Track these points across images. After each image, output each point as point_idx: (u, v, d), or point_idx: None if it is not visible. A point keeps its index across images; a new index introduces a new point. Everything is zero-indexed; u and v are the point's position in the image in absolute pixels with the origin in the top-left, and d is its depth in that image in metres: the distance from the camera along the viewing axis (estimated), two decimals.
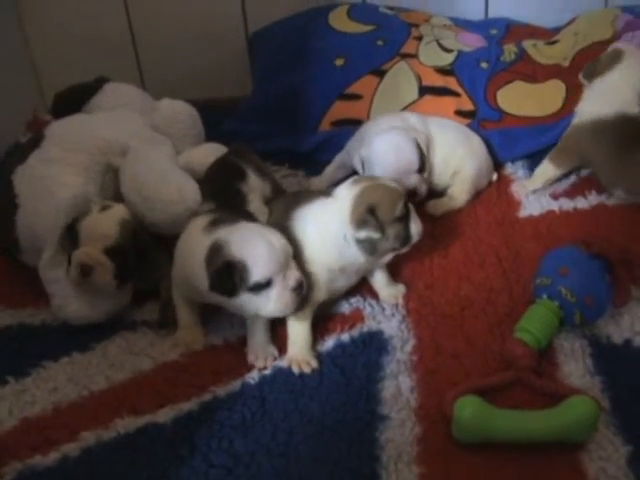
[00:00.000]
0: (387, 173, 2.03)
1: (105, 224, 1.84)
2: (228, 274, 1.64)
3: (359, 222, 1.73)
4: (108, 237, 1.83)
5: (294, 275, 1.68)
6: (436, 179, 2.27)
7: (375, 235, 1.74)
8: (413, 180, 2.11)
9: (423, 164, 2.14)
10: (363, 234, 1.74)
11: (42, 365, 1.80)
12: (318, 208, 1.82)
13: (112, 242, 1.83)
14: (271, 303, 1.67)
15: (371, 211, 1.73)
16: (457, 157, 2.27)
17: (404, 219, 1.77)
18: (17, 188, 1.96)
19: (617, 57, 2.21)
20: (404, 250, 1.83)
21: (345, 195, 1.77)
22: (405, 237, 1.79)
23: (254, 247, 1.65)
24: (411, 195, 2.06)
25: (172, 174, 1.96)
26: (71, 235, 1.84)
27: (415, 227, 1.80)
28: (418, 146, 2.13)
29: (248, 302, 1.68)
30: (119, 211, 1.88)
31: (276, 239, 1.69)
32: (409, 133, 2.15)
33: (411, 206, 1.82)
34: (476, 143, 2.35)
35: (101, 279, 1.83)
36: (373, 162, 2.10)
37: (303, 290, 1.70)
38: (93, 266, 1.81)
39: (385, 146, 2.11)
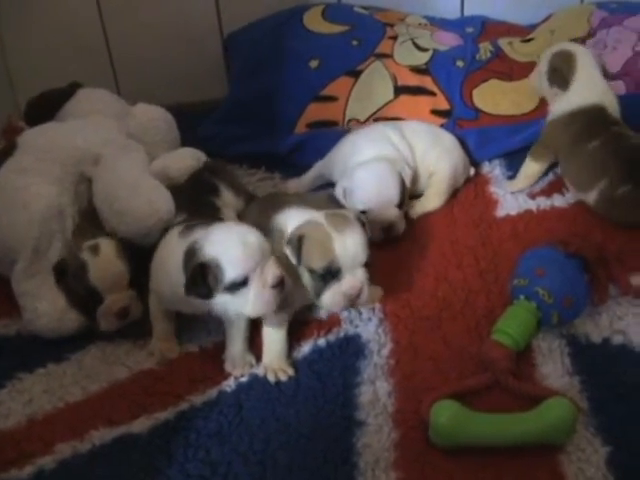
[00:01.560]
0: (367, 205, 2.05)
1: (113, 264, 1.82)
2: (202, 276, 1.60)
3: (288, 239, 1.71)
4: (123, 273, 1.82)
5: (272, 271, 1.62)
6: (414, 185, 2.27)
7: (293, 259, 1.70)
8: (391, 214, 2.08)
9: (403, 199, 2.12)
10: (287, 250, 1.71)
11: (17, 377, 1.79)
12: (298, 215, 1.79)
13: (128, 275, 1.83)
14: (250, 302, 1.63)
15: (300, 239, 1.68)
16: (431, 159, 2.27)
17: (321, 280, 1.68)
18: None
19: (571, 58, 2.19)
20: (318, 304, 1.76)
21: (316, 214, 1.73)
22: (313, 294, 1.72)
23: (227, 245, 1.61)
24: (388, 230, 2.06)
25: (143, 185, 1.93)
26: (74, 287, 1.84)
27: (329, 298, 1.69)
28: (401, 181, 2.11)
29: (228, 303, 1.64)
30: (109, 245, 1.85)
31: (252, 236, 1.63)
32: (394, 166, 2.12)
33: (346, 284, 1.68)
34: (448, 142, 2.34)
35: (137, 311, 1.85)
36: (354, 192, 2.09)
37: (285, 287, 1.65)
38: (131, 304, 1.83)
39: (368, 179, 2.09)
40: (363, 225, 1.72)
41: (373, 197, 2.06)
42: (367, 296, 1.71)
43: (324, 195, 2.19)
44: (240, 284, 1.61)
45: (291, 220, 1.75)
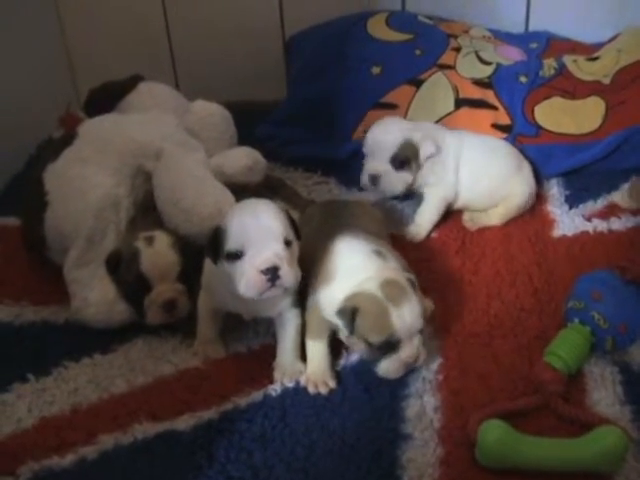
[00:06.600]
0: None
1: (165, 254, 1.83)
2: (215, 238, 1.64)
3: (339, 309, 1.63)
4: (174, 264, 1.83)
5: (266, 256, 1.59)
6: (479, 196, 2.25)
7: (345, 329, 1.64)
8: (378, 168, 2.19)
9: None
10: (337, 319, 1.65)
11: (63, 365, 1.79)
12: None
13: (179, 267, 1.83)
14: (241, 280, 1.61)
15: (354, 312, 1.60)
16: (509, 185, 2.22)
17: (377, 350, 1.63)
18: (47, 186, 1.95)
19: None
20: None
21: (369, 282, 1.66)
22: (369, 361, 1.68)
23: (238, 216, 1.63)
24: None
25: (209, 186, 1.93)
26: (127, 280, 1.83)
27: (387, 367, 1.64)
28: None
29: (229, 274, 1.63)
30: (164, 237, 1.85)
31: (266, 215, 1.62)
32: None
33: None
34: (527, 170, 2.29)
35: (184, 306, 1.84)
36: None
37: (279, 280, 1.60)
38: (178, 298, 1.82)
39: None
40: (414, 287, 1.68)
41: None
42: (423, 359, 1.68)
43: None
44: (234, 255, 1.61)
45: (341, 268, 1.71)
